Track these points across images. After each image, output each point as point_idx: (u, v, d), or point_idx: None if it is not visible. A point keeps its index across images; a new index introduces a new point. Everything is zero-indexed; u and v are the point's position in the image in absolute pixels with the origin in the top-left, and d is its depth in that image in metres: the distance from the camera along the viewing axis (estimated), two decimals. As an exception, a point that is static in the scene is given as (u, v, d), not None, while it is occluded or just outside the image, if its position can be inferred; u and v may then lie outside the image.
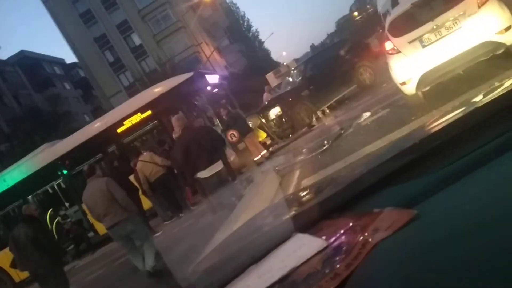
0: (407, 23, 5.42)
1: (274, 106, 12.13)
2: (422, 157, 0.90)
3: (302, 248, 0.87)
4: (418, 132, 1.12)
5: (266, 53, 59.59)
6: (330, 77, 12.04)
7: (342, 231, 0.85)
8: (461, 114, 0.96)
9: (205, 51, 37.38)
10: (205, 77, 12.37)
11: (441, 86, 5.52)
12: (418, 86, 5.35)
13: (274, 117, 12.01)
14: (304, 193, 1.18)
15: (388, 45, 5.62)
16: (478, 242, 0.57)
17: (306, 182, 5.93)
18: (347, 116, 9.98)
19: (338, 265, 0.76)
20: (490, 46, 4.93)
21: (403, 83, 5.51)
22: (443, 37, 5.14)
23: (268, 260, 0.89)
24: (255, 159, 10.28)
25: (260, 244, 0.95)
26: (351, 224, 0.86)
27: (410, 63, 5.36)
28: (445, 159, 0.86)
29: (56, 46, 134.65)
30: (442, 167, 0.84)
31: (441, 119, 1.02)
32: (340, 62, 12.48)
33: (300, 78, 12.98)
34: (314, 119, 11.93)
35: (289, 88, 13.32)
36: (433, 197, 0.79)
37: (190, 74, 11.73)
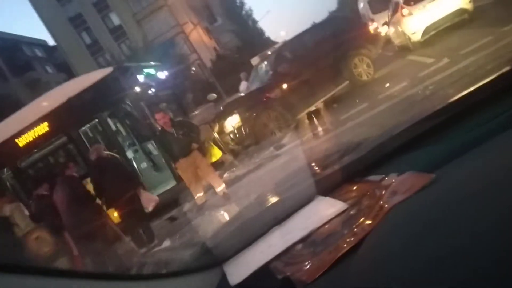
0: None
1: (231, 114, 8.23)
2: (442, 124, 0.93)
3: (323, 210, 0.91)
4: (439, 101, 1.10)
5: (259, 32, 55.07)
6: (312, 71, 8.44)
7: (362, 195, 0.90)
8: (479, 84, 0.97)
9: (192, 32, 33.44)
10: (132, 74, 8.37)
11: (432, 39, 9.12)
12: (423, 35, 9.21)
13: (232, 129, 8.17)
14: (328, 157, 1.20)
15: (404, 11, 9.54)
16: (494, 204, 0.58)
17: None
18: (330, 136, 6.50)
19: (356, 227, 0.80)
20: (461, 11, 8.95)
21: (413, 33, 9.32)
22: (436, 5, 9.07)
23: (291, 221, 0.94)
24: (200, 201, 6.07)
25: (283, 206, 1.01)
26: (371, 187, 0.90)
27: (418, 21, 9.21)
28: (465, 126, 0.89)
29: (40, 29, 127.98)
30: (461, 134, 0.88)
31: (461, 90, 1.01)
32: (327, 49, 8.81)
33: (269, 73, 9.09)
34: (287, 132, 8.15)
35: (254, 87, 9.29)
36: (452, 162, 0.82)
37: (108, 70, 8.21)
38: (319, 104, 8.78)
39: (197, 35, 35.04)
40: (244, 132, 8.21)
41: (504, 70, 0.96)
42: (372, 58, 9.31)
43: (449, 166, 0.82)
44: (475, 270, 0.48)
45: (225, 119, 8.36)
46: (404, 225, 0.70)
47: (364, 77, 9.08)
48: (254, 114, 8.22)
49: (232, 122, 8.28)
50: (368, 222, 0.79)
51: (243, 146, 8.29)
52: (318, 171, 1.14)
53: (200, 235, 4.16)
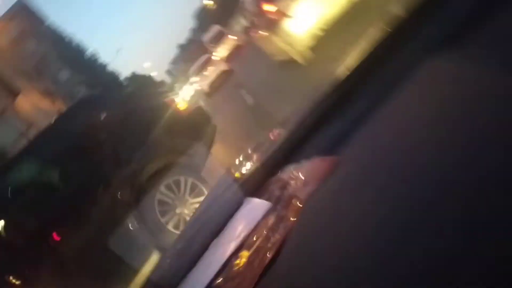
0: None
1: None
2: (335, 104, 0.95)
3: (251, 212, 0.92)
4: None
5: (114, 75, 52.45)
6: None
7: (280, 189, 0.90)
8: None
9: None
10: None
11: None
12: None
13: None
14: (245, 159, 1.21)
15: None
16: (395, 172, 0.61)
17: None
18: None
19: (280, 227, 0.80)
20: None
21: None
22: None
23: (225, 232, 0.95)
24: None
25: (218, 218, 1.01)
26: (286, 180, 0.90)
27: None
28: (357, 100, 0.91)
29: None
30: (354, 109, 0.90)
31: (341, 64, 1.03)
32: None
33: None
34: None
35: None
36: (351, 139, 0.83)
37: None
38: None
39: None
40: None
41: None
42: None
43: (349, 144, 0.84)
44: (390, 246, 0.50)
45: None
46: (318, 217, 0.72)
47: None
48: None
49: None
50: (291, 219, 0.79)
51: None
52: (238, 174, 1.16)
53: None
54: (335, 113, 0.95)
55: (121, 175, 4.16)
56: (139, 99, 5.22)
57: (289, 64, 6.60)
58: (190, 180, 4.28)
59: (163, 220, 4.07)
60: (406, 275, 0.44)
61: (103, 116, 4.43)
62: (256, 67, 8.48)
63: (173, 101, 5.11)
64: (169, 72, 68.11)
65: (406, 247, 0.47)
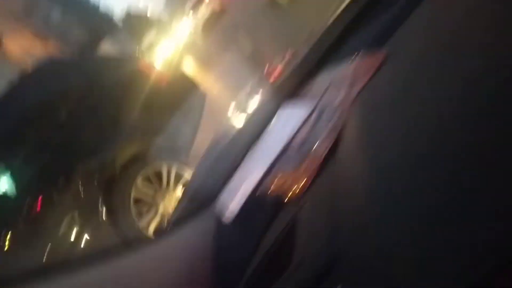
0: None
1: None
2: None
3: (290, 120, 0.88)
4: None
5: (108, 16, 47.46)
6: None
7: (323, 91, 0.85)
8: None
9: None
10: None
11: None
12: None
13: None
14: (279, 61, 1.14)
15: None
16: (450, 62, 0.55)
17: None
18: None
19: (327, 128, 0.76)
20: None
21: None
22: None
23: (263, 140, 0.90)
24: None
25: (251, 128, 0.97)
26: (330, 81, 0.86)
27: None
28: None
29: None
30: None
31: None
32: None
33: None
34: None
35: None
36: (397, 33, 0.78)
37: None
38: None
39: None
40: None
41: None
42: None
43: (396, 37, 0.77)
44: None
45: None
46: (371, 111, 0.67)
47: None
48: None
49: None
50: (337, 119, 0.74)
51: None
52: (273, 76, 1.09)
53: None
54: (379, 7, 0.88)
55: (85, 167, 3.23)
56: (110, 69, 3.74)
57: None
58: (174, 169, 3.33)
59: (140, 223, 3.19)
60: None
61: (63, 88, 3.35)
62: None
63: (150, 66, 3.87)
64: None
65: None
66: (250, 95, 1.21)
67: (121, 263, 0.71)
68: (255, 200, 0.79)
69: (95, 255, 0.70)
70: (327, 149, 0.72)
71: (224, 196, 0.87)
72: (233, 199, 0.83)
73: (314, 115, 0.84)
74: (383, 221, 0.44)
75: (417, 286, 0.35)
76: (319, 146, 0.74)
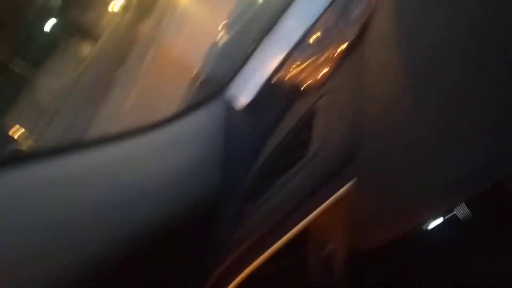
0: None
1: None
2: None
3: (314, 2, 0.81)
4: None
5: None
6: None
7: None
8: None
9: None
10: None
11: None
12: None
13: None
14: None
15: None
16: None
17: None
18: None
19: (352, 15, 0.71)
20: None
21: None
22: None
23: (277, 28, 0.84)
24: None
25: (270, 9, 0.93)
26: None
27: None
28: None
29: None
30: None
31: None
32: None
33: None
34: None
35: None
36: None
37: None
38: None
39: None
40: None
41: None
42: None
43: None
44: None
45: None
46: None
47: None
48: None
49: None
50: (367, 4, 0.67)
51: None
52: None
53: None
54: None
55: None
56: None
57: None
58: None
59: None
60: None
61: None
62: None
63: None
64: None
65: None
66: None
67: (134, 144, 0.71)
68: (270, 88, 0.76)
69: (107, 136, 0.69)
70: (354, 37, 0.66)
71: (237, 82, 0.84)
72: (247, 86, 0.80)
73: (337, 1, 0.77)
74: (410, 120, 0.41)
75: (429, 182, 0.35)
76: (345, 34, 0.69)
